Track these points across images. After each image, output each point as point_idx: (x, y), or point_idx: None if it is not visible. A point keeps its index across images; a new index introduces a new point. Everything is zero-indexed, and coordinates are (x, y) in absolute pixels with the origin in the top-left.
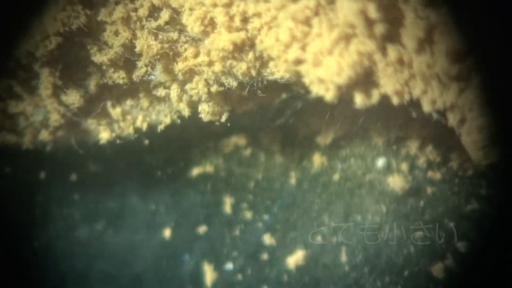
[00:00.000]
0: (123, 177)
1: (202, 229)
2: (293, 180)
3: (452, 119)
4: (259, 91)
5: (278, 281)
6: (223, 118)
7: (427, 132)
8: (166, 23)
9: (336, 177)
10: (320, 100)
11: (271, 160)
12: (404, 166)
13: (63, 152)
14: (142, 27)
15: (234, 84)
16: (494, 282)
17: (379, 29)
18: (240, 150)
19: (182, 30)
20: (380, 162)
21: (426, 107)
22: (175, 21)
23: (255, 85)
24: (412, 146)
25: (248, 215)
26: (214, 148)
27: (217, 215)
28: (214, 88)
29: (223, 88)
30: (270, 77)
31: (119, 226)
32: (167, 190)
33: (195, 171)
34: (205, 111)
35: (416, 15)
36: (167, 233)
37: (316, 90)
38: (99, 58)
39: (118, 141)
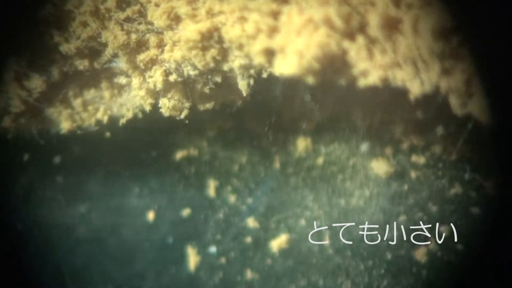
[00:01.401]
0: (106, 160)
1: (185, 212)
2: (277, 164)
3: (456, 96)
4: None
5: (262, 265)
6: (183, 115)
7: (411, 116)
8: (134, 13)
9: (320, 161)
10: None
11: (255, 143)
12: (388, 150)
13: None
14: (110, 18)
15: (192, 72)
16: (477, 266)
17: (347, 32)
18: (224, 134)
19: (148, 22)
20: (364, 146)
21: (414, 89)
22: (142, 13)
23: (214, 76)
24: (396, 130)
25: (232, 198)
26: (198, 131)
27: (201, 198)
28: (172, 78)
29: (181, 78)
30: (229, 68)
31: (102, 209)
32: (151, 173)
33: (179, 154)
34: (165, 105)
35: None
36: (150, 216)
37: (286, 71)
38: (65, 46)
39: (78, 131)
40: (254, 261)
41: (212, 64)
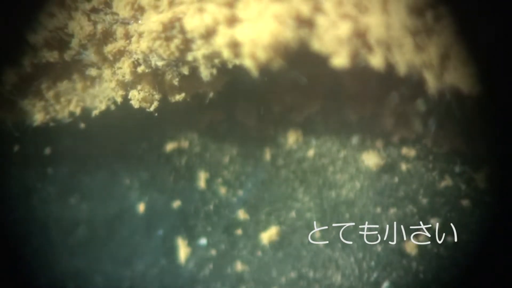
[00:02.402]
0: (97, 151)
1: (176, 204)
2: (267, 156)
3: (431, 68)
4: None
5: (252, 257)
6: (153, 107)
7: (402, 108)
8: (100, 3)
9: (310, 153)
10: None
11: (246, 135)
12: (379, 143)
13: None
14: (76, 8)
15: (159, 63)
16: (467, 258)
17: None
18: (215, 125)
19: (114, 13)
20: (355, 138)
21: (403, 68)
22: (108, 4)
23: (180, 67)
24: (387, 123)
25: (223, 190)
26: (189, 123)
27: (191, 190)
28: (140, 69)
29: (150, 69)
30: (193, 57)
31: (92, 201)
32: (142, 165)
33: (169, 146)
34: (135, 97)
35: None
36: (141, 207)
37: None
38: (33, 37)
39: (52, 123)
40: (244, 253)
41: (176, 54)
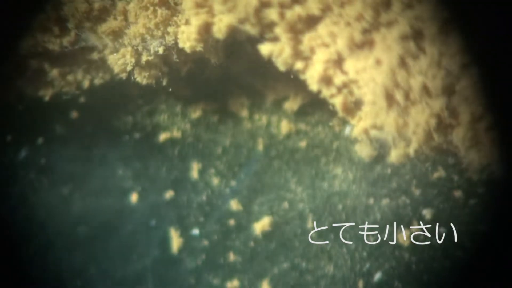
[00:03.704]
0: (89, 141)
1: (168, 194)
2: (260, 147)
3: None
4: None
5: (245, 247)
6: (164, 82)
7: None
8: None
9: (303, 144)
10: None
11: (239, 126)
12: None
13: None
14: None
15: (159, 49)
16: (459, 249)
17: None
18: (208, 116)
19: None
20: (348, 129)
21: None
22: None
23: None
24: None
25: (215, 181)
26: (181, 113)
27: (184, 181)
28: (144, 57)
29: (152, 57)
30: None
31: (85, 190)
32: (134, 155)
33: (162, 136)
34: (141, 74)
35: None
36: (133, 198)
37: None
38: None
39: (64, 97)
40: (237, 243)
41: (161, 25)
